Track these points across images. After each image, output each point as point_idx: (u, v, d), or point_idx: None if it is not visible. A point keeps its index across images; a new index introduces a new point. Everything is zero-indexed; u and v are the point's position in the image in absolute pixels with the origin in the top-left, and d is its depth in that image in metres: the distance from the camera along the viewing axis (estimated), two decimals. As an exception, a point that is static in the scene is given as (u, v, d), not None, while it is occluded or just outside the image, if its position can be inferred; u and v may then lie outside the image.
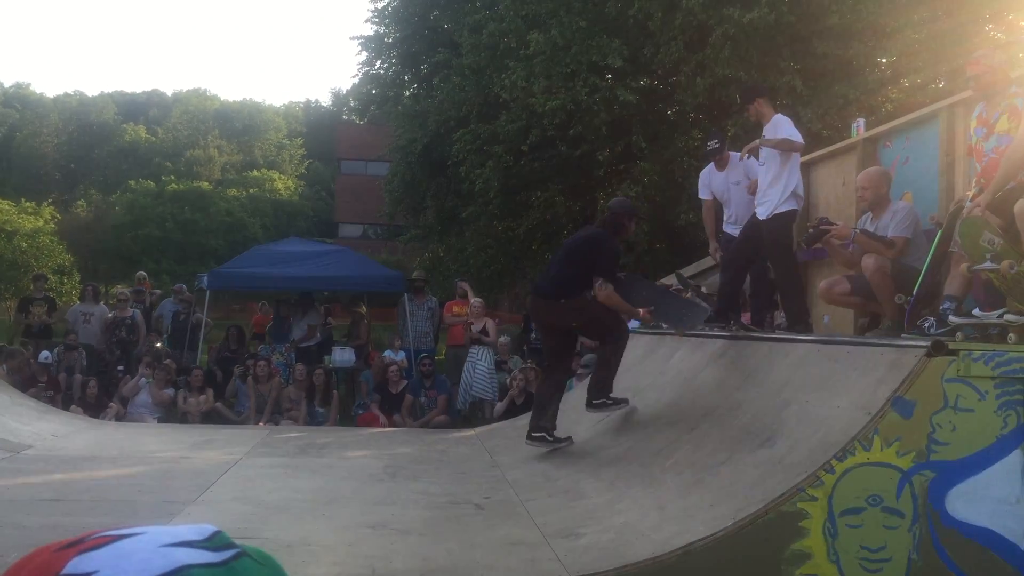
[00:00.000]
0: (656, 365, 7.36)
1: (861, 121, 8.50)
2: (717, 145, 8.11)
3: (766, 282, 7.95)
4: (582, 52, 14.56)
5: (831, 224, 6.56)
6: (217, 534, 0.77)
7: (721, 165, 8.02)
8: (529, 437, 7.14)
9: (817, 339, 6.11)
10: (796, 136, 7.16)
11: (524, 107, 15.05)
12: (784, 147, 7.10)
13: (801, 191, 7.24)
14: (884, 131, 7.91)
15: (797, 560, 4.16)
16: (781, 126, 7.22)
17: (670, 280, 9.80)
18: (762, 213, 7.18)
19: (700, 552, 4.16)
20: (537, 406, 7.33)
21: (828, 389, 4.94)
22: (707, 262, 9.80)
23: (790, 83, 13.49)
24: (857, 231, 6.39)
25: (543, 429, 7.07)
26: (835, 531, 4.19)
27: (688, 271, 10.17)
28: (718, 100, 14.54)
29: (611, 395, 7.11)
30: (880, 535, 4.22)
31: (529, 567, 4.48)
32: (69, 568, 0.73)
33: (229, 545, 0.77)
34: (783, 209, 7.06)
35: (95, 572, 0.72)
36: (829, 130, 13.21)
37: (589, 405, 7.16)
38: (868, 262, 6.09)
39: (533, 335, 12.89)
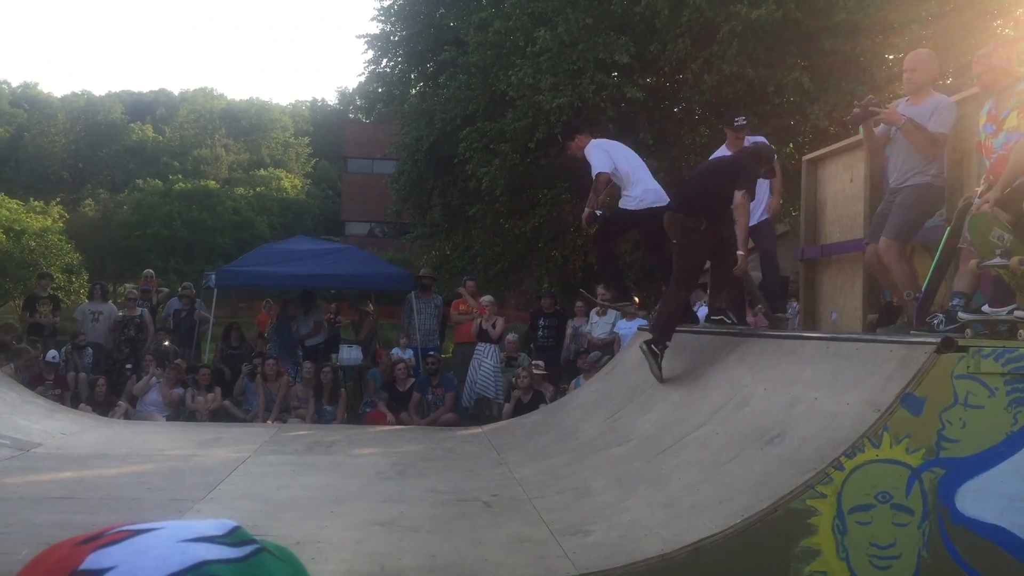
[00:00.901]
0: (665, 362, 7.35)
1: (869, 118, 8.46)
2: (744, 121, 8.20)
3: (778, 276, 8.38)
4: (589, 49, 14.52)
5: (880, 106, 6.41)
6: (236, 529, 0.77)
7: (736, 144, 8.03)
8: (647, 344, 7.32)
9: (826, 336, 6.09)
10: (600, 162, 7.86)
11: (531, 104, 15.00)
12: (601, 182, 7.82)
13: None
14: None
15: (806, 557, 4.16)
16: (592, 155, 7.97)
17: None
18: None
19: (709, 549, 4.16)
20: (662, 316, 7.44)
21: (837, 386, 4.92)
22: None
23: (798, 80, 13.45)
24: (906, 119, 6.11)
25: (661, 342, 7.25)
26: (844, 528, 4.19)
27: None
28: (725, 97, 14.49)
29: (661, 352, 7.21)
30: (890, 532, 4.21)
31: (537, 564, 4.47)
32: (87, 564, 0.72)
33: (248, 541, 0.77)
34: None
35: (112, 568, 0.72)
36: (836, 127, 13.17)
37: (645, 343, 7.35)
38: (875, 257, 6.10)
39: (540, 332, 12.88)
